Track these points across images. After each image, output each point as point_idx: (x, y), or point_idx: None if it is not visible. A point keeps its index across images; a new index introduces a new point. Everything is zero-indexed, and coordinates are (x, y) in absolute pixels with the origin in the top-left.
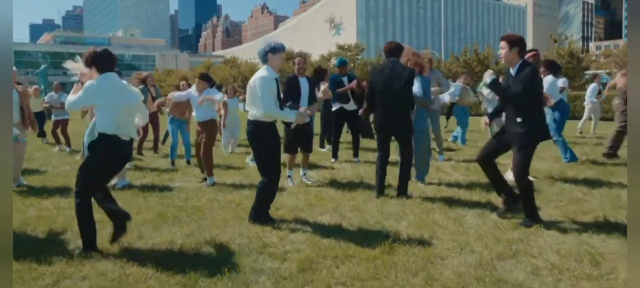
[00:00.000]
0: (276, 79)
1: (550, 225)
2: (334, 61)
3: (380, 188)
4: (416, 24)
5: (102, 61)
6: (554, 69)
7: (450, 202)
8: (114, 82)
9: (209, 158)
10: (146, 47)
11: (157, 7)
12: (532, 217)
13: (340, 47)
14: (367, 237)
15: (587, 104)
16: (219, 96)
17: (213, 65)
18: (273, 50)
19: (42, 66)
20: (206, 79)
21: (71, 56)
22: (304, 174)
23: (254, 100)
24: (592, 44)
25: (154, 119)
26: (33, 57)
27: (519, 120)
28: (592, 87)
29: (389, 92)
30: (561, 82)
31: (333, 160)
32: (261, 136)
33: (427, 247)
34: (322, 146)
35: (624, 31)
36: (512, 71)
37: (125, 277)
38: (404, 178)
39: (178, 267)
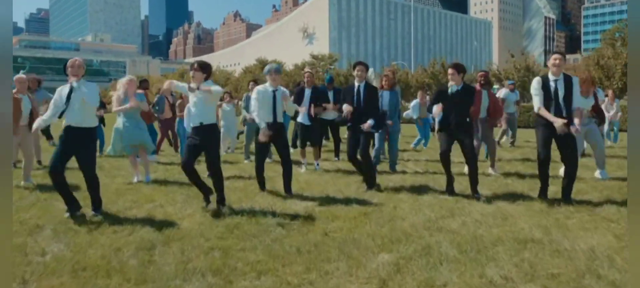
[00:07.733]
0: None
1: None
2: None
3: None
4: (387, 35)
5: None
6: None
7: (409, 187)
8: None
9: None
10: (116, 53)
11: (128, 13)
12: (370, 184)
13: (314, 57)
14: (349, 205)
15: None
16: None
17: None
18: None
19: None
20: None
21: (37, 61)
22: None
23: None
24: None
25: (171, 122)
26: None
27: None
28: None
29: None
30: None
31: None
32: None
33: (392, 211)
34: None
35: (583, 46)
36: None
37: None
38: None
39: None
